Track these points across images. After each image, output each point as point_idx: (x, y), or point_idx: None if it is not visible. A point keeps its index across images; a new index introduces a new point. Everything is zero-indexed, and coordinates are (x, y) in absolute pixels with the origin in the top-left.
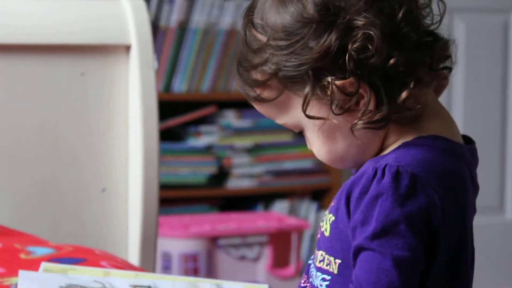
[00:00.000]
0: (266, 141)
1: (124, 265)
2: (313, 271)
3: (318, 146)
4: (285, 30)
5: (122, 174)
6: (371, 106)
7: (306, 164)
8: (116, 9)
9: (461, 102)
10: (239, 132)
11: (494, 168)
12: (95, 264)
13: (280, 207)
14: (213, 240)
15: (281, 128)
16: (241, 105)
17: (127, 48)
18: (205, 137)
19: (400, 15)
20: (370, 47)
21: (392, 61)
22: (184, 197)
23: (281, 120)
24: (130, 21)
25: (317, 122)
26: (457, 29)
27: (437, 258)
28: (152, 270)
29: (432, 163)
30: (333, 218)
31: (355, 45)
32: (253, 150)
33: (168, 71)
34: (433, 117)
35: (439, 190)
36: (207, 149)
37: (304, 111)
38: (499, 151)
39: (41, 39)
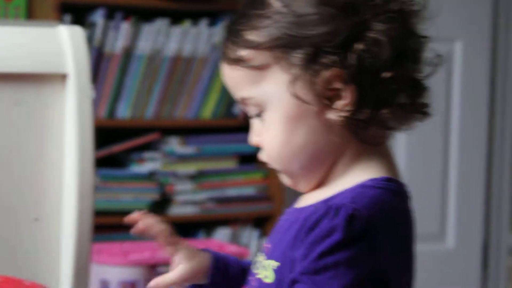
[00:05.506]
0: (209, 168)
1: None
2: None
3: (275, 133)
4: (307, 1)
5: (55, 204)
6: (351, 108)
7: (249, 191)
8: (52, 36)
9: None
10: (183, 158)
11: (435, 196)
12: None
13: (222, 234)
14: (152, 268)
15: (225, 155)
16: (185, 132)
17: (63, 76)
18: (148, 164)
19: (411, 41)
20: (375, 51)
21: (388, 74)
22: (126, 224)
23: (247, 92)
24: (67, 49)
25: (288, 105)
26: None
27: None
28: None
29: (386, 207)
30: (277, 263)
31: (362, 44)
32: (196, 177)
33: (112, 97)
34: (383, 155)
35: (390, 234)
36: (150, 176)
37: (292, 85)
38: (440, 179)
39: None
